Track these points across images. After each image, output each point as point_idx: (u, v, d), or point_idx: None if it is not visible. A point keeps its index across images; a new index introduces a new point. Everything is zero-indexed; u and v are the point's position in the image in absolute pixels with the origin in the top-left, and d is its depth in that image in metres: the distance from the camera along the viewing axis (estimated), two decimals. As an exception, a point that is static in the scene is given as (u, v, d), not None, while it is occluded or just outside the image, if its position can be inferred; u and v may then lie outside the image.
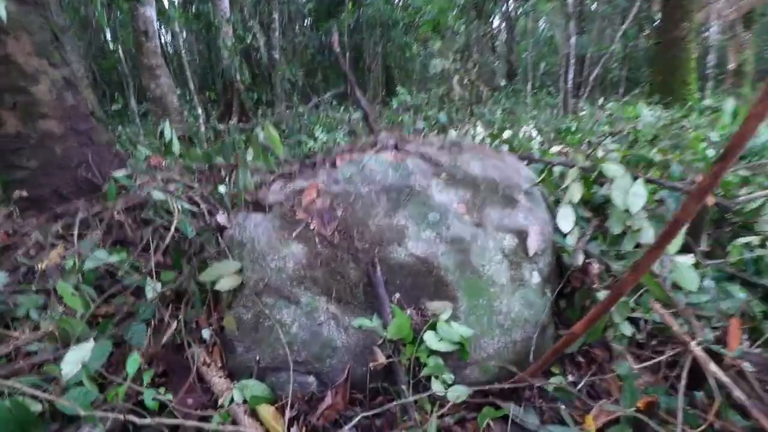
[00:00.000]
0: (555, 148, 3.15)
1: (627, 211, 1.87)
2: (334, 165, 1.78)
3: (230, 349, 1.48)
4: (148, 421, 1.11)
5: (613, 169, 1.57)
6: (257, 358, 1.42)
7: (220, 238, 1.63)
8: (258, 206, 1.65)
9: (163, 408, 1.27)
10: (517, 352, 1.49)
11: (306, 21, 11.46)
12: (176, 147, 2.92)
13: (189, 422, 1.15)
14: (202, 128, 5.29)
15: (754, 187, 2.49)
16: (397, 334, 1.33)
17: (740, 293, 1.73)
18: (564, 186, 1.66)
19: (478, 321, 1.46)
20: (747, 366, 1.43)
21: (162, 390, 1.30)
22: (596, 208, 2.25)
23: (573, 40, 7.11)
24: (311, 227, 1.53)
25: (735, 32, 7.99)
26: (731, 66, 7.60)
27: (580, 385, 1.45)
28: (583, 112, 6.71)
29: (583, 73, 9.08)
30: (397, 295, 1.47)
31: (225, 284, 1.43)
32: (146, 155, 3.57)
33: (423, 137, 2.12)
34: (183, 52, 5.28)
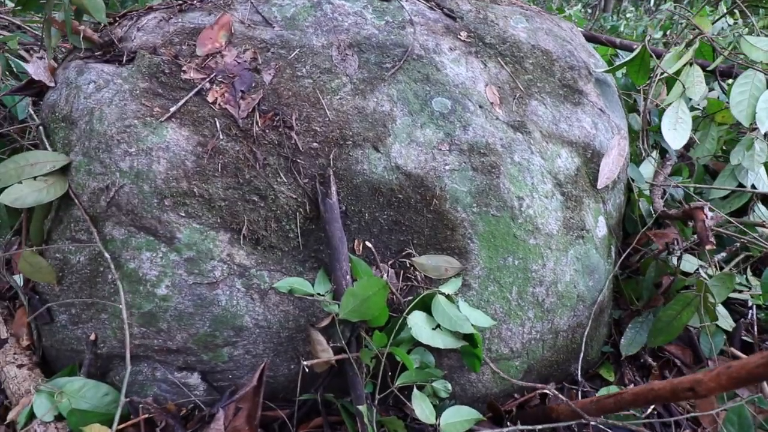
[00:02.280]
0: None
1: (744, 133, 1.41)
2: (266, -5, 1.16)
3: (45, 315, 0.96)
4: None
5: (763, 46, 1.07)
6: (92, 337, 0.91)
7: (31, 108, 1.03)
8: (110, 52, 1.04)
9: None
10: (558, 348, 1.07)
11: None
12: None
13: None
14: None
15: None
16: (359, 311, 0.85)
17: None
18: (666, 73, 1.15)
19: (501, 294, 1.00)
20: None
21: None
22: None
23: None
24: (210, 99, 0.96)
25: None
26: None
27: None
28: (630, 14, 6.08)
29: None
30: (365, 242, 0.98)
31: (23, 196, 0.87)
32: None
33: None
34: None
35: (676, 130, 1.06)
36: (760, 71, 1.09)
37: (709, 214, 1.03)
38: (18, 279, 1.07)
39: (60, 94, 1.00)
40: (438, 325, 0.91)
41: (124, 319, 0.81)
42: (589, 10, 7.14)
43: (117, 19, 1.14)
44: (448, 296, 0.92)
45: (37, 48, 1.77)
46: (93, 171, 0.92)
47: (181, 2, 1.15)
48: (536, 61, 1.19)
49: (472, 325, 0.89)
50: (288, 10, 1.12)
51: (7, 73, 1.75)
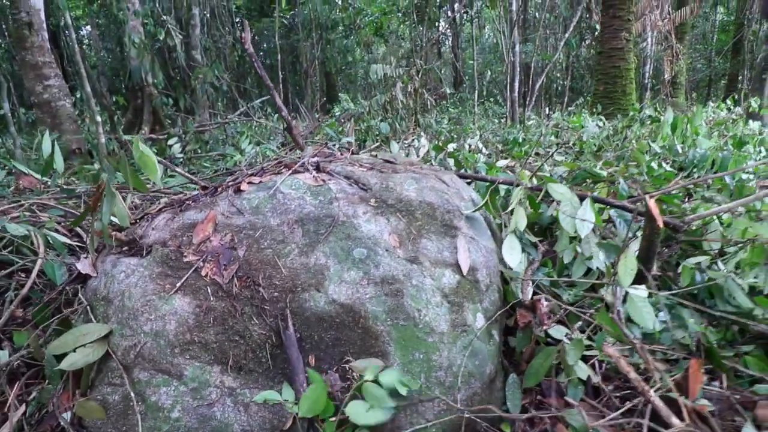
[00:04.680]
0: (501, 163, 3.14)
1: (575, 237, 1.82)
2: (238, 190, 1.55)
3: (89, 444, 1.19)
4: None
5: (559, 190, 1.51)
6: (125, 456, 1.14)
7: (80, 291, 1.34)
8: (133, 247, 1.38)
9: None
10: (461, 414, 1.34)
11: (235, 19, 11.07)
12: (59, 164, 2.54)
13: None
14: (103, 139, 4.76)
15: (697, 201, 2.61)
16: (311, 409, 1.12)
17: (695, 320, 1.74)
18: (509, 209, 1.57)
19: (414, 380, 1.29)
20: (707, 404, 1.40)
21: None
22: (544, 229, 2.22)
23: (517, 48, 7.44)
24: (203, 273, 1.29)
25: (669, 43, 8.86)
26: (666, 76, 8.40)
27: (534, 447, 1.32)
28: (531, 122, 7.01)
29: (528, 83, 9.56)
30: (316, 357, 1.27)
31: (76, 361, 1.15)
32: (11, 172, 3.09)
33: (351, 153, 1.97)
34: (77, 48, 4.76)
35: (511, 254, 1.45)
36: (563, 211, 1.52)
37: (544, 303, 1.38)
38: (66, 416, 1.29)
39: (100, 281, 1.31)
40: (371, 407, 1.18)
41: (151, 439, 1.06)
42: (503, 120, 8.15)
43: (137, 220, 1.50)
44: (372, 380, 1.19)
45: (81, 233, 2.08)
46: (125, 334, 1.21)
47: (180, 203, 1.53)
48: (423, 211, 1.60)
49: (396, 390, 1.16)
50: (254, 201, 1.51)
51: (47, 249, 2.06)
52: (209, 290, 1.26)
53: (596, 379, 1.49)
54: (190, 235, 1.39)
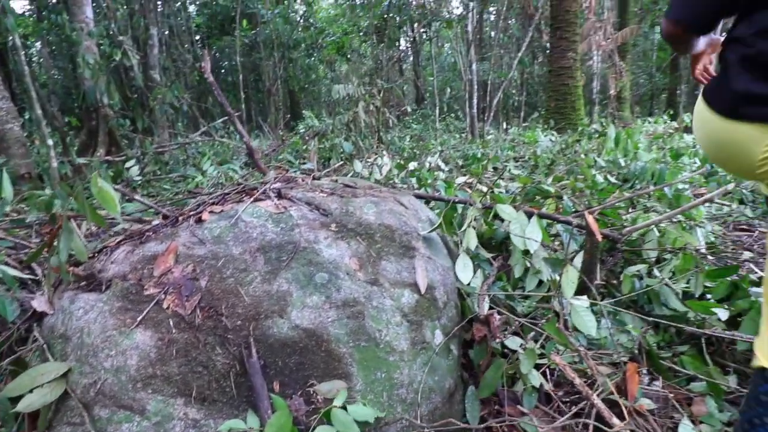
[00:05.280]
0: (460, 179, 3.29)
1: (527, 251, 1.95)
2: (200, 220, 1.57)
3: (46, 488, 1.16)
4: None
5: (507, 211, 1.62)
6: (85, 497, 1.13)
7: (35, 329, 1.31)
8: (92, 282, 1.37)
9: None
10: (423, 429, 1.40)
11: (195, 38, 10.96)
12: (7, 191, 2.45)
13: None
14: (54, 163, 4.58)
15: (639, 211, 2.83)
16: (276, 435, 1.15)
17: (636, 325, 1.89)
18: (462, 229, 1.67)
19: (377, 399, 1.34)
20: (648, 403, 1.53)
21: None
22: (499, 244, 2.34)
23: (474, 66, 7.78)
24: (164, 305, 1.30)
25: (613, 61, 9.51)
26: (612, 92, 9.01)
27: (493, 455, 1.40)
28: (490, 136, 7.30)
29: (486, 98, 9.96)
30: (281, 382, 1.30)
31: (33, 402, 1.13)
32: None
33: (313, 178, 2.02)
34: (26, 69, 4.60)
35: (464, 270, 1.54)
36: (511, 229, 1.63)
37: (497, 317, 1.47)
38: (20, 462, 1.25)
39: (57, 318, 1.29)
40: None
41: (113, 478, 1.05)
42: (464, 134, 8.44)
43: (95, 254, 1.49)
44: (340, 406, 1.23)
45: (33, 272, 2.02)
46: (84, 371, 1.20)
47: (141, 235, 1.53)
48: (383, 234, 1.67)
49: (361, 420, 1.21)
50: (215, 230, 1.53)
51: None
52: (171, 322, 1.27)
53: (548, 386, 1.59)
54: (150, 268, 1.39)
